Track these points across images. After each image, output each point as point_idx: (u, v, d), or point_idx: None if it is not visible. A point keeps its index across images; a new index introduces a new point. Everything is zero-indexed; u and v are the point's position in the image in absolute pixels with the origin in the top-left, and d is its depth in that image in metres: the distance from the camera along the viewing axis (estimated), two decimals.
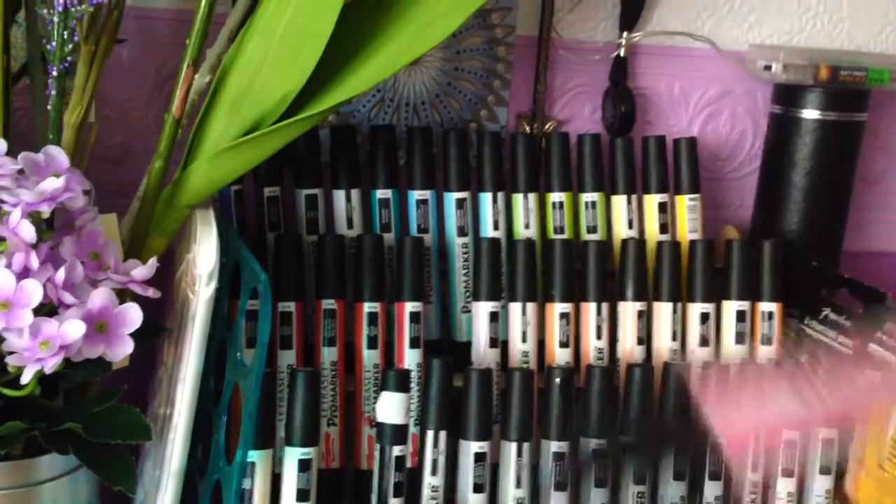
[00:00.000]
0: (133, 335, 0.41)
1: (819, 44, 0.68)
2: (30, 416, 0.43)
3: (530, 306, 0.56)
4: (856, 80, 0.61)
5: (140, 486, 0.50)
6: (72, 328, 0.38)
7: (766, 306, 0.59)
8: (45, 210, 0.40)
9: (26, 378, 0.38)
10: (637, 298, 0.57)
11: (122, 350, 0.40)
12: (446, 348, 0.57)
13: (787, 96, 0.63)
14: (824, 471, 0.55)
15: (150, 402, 0.51)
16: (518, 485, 0.51)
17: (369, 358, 0.53)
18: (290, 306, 0.52)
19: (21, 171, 0.41)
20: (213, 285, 0.43)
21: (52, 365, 0.38)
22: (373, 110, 0.61)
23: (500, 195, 0.58)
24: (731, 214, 0.69)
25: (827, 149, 0.62)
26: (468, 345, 0.56)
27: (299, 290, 0.53)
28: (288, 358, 0.52)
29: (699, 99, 0.67)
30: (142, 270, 0.42)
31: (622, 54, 0.63)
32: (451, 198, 0.58)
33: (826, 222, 0.63)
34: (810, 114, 0.62)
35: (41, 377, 0.40)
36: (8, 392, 0.41)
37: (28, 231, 0.38)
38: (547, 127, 0.63)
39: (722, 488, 0.54)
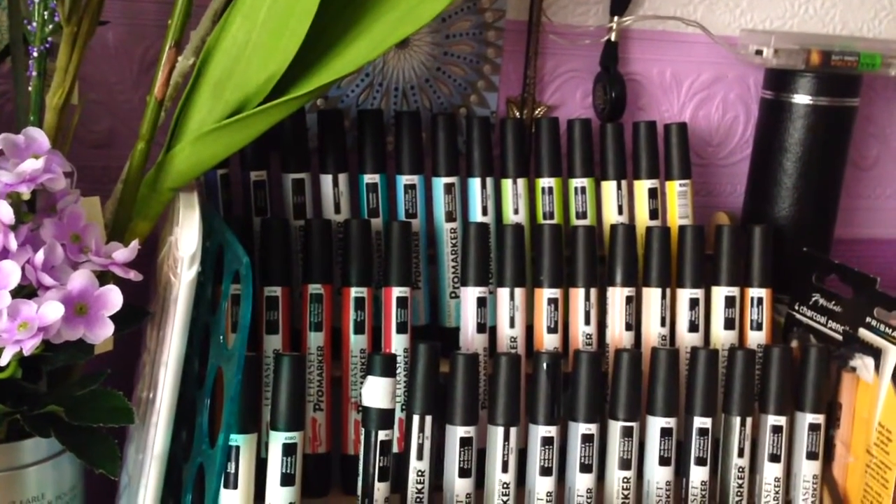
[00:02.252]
0: (115, 318, 0.41)
1: (812, 29, 0.67)
2: (12, 400, 0.43)
3: (518, 291, 0.55)
4: (847, 65, 0.61)
5: (124, 471, 0.50)
6: (51, 310, 0.38)
7: (755, 292, 0.59)
8: (24, 191, 0.39)
9: (5, 360, 0.38)
10: (626, 284, 0.57)
11: (102, 332, 0.40)
12: (434, 334, 0.57)
13: (779, 81, 0.62)
14: (811, 456, 0.55)
15: (136, 386, 0.51)
16: (504, 469, 0.50)
17: (356, 343, 0.53)
18: (277, 291, 0.52)
19: (0, 153, 0.41)
20: (195, 268, 0.43)
21: (30, 346, 0.37)
22: (361, 95, 0.60)
23: (489, 180, 0.58)
24: (723, 201, 0.69)
25: (818, 134, 0.61)
26: (456, 330, 0.56)
27: (286, 275, 0.53)
28: (274, 343, 0.52)
29: (691, 84, 0.67)
30: (123, 253, 0.41)
31: (613, 39, 0.63)
32: (440, 183, 0.58)
33: (817, 208, 0.63)
34: (801, 99, 0.61)
35: (23, 360, 0.40)
36: None
37: (6, 212, 0.38)
38: (537, 112, 0.63)
39: (708, 473, 0.54)
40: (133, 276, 0.42)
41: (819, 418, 0.55)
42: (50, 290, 0.39)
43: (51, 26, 0.42)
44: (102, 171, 0.57)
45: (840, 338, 0.57)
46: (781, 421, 0.55)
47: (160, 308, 0.46)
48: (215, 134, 0.45)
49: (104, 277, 0.42)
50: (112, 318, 0.40)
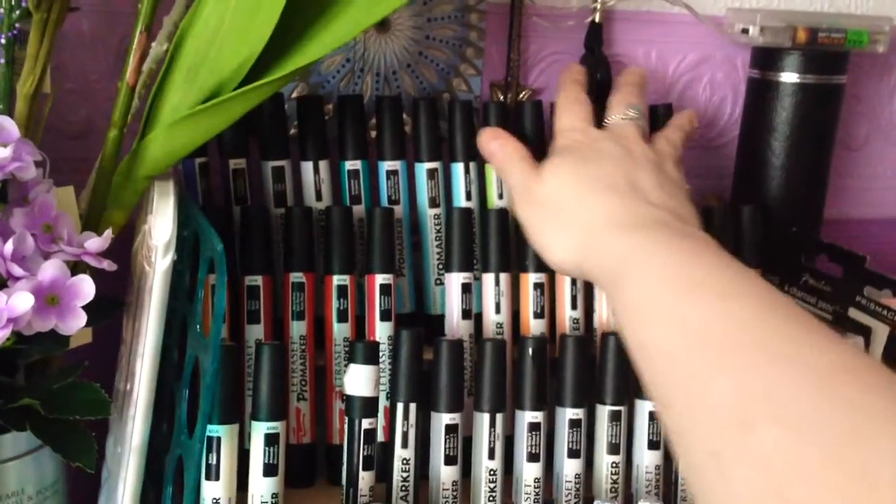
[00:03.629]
0: (90, 310, 0.40)
1: (798, 6, 0.66)
2: None
3: (504, 277, 0.55)
4: (834, 43, 0.60)
5: (104, 464, 0.49)
6: (20, 300, 0.37)
7: None
8: None
9: None
10: None
11: (74, 323, 0.39)
12: (420, 321, 0.56)
13: (766, 60, 0.61)
14: None
15: (116, 378, 0.51)
16: (491, 456, 0.50)
17: (339, 331, 0.52)
18: (258, 280, 0.52)
19: None
20: (169, 256, 0.42)
21: (0, 338, 0.37)
22: (343, 80, 0.59)
23: (472, 165, 0.57)
24: (713, 183, 0.68)
25: (806, 113, 0.61)
26: (442, 318, 0.56)
27: (267, 264, 0.52)
28: (256, 332, 0.52)
29: (677, 65, 0.66)
30: (95, 242, 0.41)
31: (597, 20, 0.62)
32: (423, 168, 0.57)
33: (806, 188, 0.62)
34: (788, 77, 0.60)
35: None
36: None
37: None
38: (522, 95, 0.62)
39: None
40: (106, 265, 0.41)
41: None
42: (20, 280, 0.38)
43: (17, 12, 0.42)
44: (80, 162, 0.56)
45: (830, 318, 0.56)
46: None
47: (136, 298, 0.45)
48: (189, 120, 0.44)
49: (77, 268, 0.41)
50: (86, 308, 0.40)
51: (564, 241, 0.47)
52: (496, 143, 0.53)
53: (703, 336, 0.36)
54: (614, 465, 0.52)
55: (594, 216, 0.46)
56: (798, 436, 0.30)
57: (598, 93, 0.62)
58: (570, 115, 0.53)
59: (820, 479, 0.29)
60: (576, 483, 0.51)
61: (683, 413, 0.35)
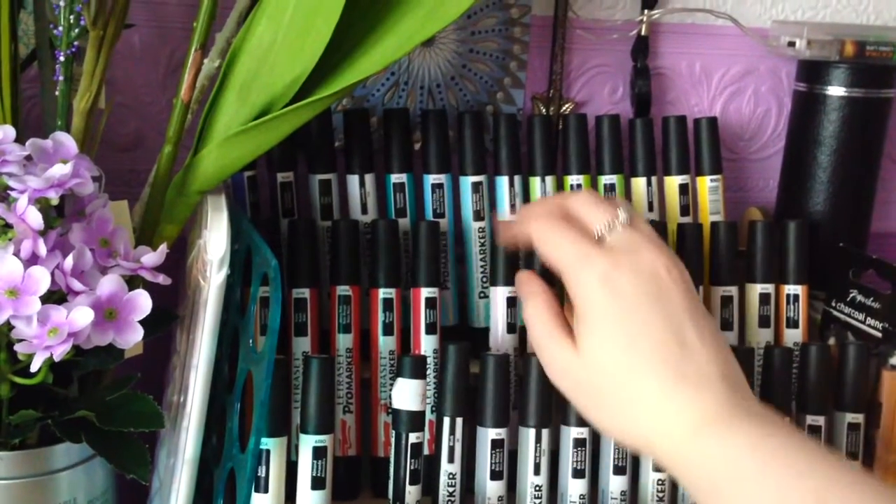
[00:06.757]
0: (144, 322, 0.40)
1: (844, 19, 0.66)
2: (43, 405, 0.43)
3: None
4: (882, 56, 0.60)
5: (155, 475, 0.49)
6: (80, 315, 0.38)
7: (791, 289, 0.57)
8: (53, 196, 0.39)
9: (35, 365, 0.38)
10: None
11: (132, 337, 0.40)
12: (464, 334, 0.56)
13: (812, 73, 0.61)
14: (851, 456, 0.54)
15: (166, 389, 0.51)
16: (536, 472, 0.50)
17: (385, 344, 0.52)
18: (305, 293, 0.52)
19: (29, 158, 0.41)
20: (224, 271, 0.42)
21: (60, 352, 0.37)
22: (387, 94, 0.60)
23: (516, 178, 0.57)
24: (756, 196, 0.68)
25: (853, 126, 0.60)
26: (486, 330, 0.56)
27: (314, 277, 0.53)
28: (303, 345, 0.52)
29: (721, 78, 0.65)
30: (152, 257, 0.41)
31: (643, 32, 0.62)
32: (468, 181, 0.57)
33: (853, 202, 0.62)
34: (836, 91, 0.60)
35: (54, 365, 0.40)
36: (19, 380, 0.40)
37: (35, 218, 0.38)
38: (564, 108, 0.62)
39: None
40: (162, 280, 0.42)
41: (858, 418, 0.54)
42: (79, 295, 0.39)
43: (77, 30, 0.42)
44: (130, 174, 0.57)
45: (879, 335, 0.56)
46: (820, 421, 0.54)
47: (189, 311, 0.46)
48: (242, 136, 0.45)
49: (133, 282, 0.42)
50: (141, 322, 0.40)
51: (620, 432, 0.42)
52: (524, 290, 0.46)
53: None
54: (660, 482, 0.52)
55: (649, 415, 0.40)
56: None
57: (639, 106, 0.62)
58: (568, 244, 0.44)
59: None
60: (621, 499, 0.51)
61: None
